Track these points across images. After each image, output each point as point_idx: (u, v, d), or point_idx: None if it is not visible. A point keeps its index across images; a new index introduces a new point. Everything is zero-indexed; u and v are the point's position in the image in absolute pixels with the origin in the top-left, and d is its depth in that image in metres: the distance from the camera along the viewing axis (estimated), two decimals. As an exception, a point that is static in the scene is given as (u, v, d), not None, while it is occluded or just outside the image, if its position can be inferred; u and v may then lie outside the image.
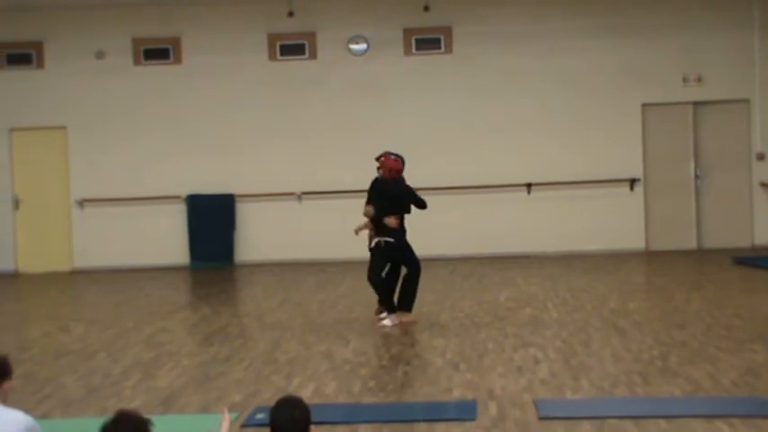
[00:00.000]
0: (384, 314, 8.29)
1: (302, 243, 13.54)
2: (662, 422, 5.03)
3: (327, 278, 11.81)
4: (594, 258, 12.89)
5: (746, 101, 13.12)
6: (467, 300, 9.61)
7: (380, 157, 8.28)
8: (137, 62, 13.66)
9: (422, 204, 8.23)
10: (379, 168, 8.32)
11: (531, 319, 8.38)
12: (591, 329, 7.78)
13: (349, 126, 13.60)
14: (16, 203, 13.43)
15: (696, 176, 13.45)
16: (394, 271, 8.35)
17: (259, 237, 13.68)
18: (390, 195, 8.17)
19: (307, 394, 5.80)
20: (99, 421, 3.00)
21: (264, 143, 13.70)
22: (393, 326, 8.18)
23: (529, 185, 13.49)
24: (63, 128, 13.48)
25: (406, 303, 8.37)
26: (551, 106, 13.51)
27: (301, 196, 13.67)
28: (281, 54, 13.71)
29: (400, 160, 8.22)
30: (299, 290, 11.01)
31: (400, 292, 8.36)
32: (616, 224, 13.39)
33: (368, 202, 8.31)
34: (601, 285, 10.36)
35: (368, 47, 13.63)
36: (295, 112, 13.70)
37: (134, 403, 5.79)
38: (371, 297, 8.82)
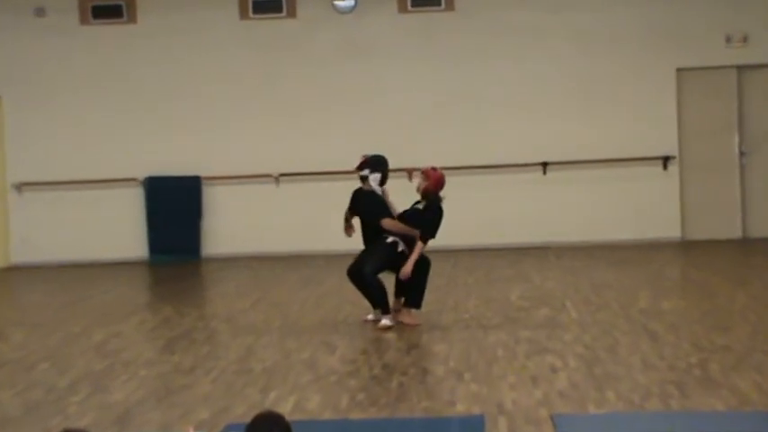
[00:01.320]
0: (382, 320, 8.30)
1: (281, 233, 13.59)
2: (701, 440, 5.14)
3: (311, 274, 11.80)
4: (622, 249, 12.95)
5: (799, 64, 13.41)
6: (472, 298, 9.62)
7: (426, 170, 8.33)
8: (83, 21, 13.64)
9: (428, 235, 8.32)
10: (419, 179, 8.31)
11: (548, 320, 8.38)
12: (617, 333, 7.79)
13: (335, 97, 13.56)
14: (-60, 188, 13.80)
15: (740, 153, 13.49)
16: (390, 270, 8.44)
17: (230, 226, 13.73)
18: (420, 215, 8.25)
19: (286, 409, 5.81)
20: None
21: (236, 116, 13.65)
22: (391, 325, 8.22)
23: (544, 165, 13.46)
24: (-4, 98, 13.87)
25: (414, 298, 8.37)
26: (570, 72, 13.48)
27: (279, 178, 13.63)
28: (255, 12, 13.66)
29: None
30: (277, 287, 10.97)
31: (407, 287, 8.37)
32: (647, 209, 13.41)
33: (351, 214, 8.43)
34: (629, 281, 10.41)
35: (356, 3, 13.59)
36: (271, 81, 13.66)
37: (83, 421, 5.63)
38: (362, 296, 8.76)
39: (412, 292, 8.40)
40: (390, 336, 8.03)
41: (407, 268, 8.16)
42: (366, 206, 8.34)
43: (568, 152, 13.35)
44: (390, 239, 8.26)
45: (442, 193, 8.29)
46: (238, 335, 8.26)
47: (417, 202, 8.48)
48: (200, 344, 7.99)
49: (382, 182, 8.36)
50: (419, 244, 8.20)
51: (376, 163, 8.37)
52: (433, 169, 8.34)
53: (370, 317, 8.52)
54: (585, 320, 8.29)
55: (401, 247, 8.27)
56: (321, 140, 13.52)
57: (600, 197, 13.42)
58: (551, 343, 7.48)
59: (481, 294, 9.81)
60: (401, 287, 8.51)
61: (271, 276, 11.99)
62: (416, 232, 8.22)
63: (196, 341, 8.11)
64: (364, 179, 8.36)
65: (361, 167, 8.35)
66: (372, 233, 8.34)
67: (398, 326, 8.31)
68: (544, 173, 13.37)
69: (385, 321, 8.26)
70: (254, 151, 13.59)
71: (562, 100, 13.43)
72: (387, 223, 8.23)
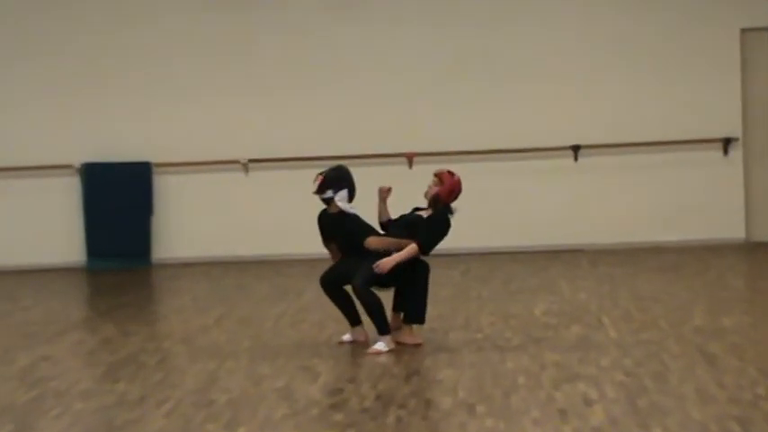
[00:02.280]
0: (377, 343, 8.30)
1: (250, 233, 13.65)
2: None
3: (286, 283, 11.77)
4: (672, 253, 12.96)
5: None
6: (487, 313, 9.59)
7: (442, 173, 8.44)
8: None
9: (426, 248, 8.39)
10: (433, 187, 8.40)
11: (580, 340, 8.37)
12: (666, 356, 7.76)
13: (318, 67, 13.50)
14: None
15: (820, 135, 13.50)
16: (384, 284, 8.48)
17: (187, 224, 13.76)
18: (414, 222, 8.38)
19: (255, 451, 5.86)
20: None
21: (195, 90, 13.64)
22: (388, 351, 8.21)
23: (576, 149, 13.46)
24: None
25: (416, 313, 8.43)
26: (608, 35, 13.45)
27: (249, 165, 13.66)
28: (219, -38, 13.67)
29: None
30: (245, 300, 10.96)
31: (406, 298, 8.45)
32: (703, 203, 13.40)
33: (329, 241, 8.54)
34: (681, 292, 10.41)
35: (345, -48, 13.63)
36: (240, 47, 13.65)
37: (4, 466, 5.71)
38: (340, 311, 8.74)
39: (411, 304, 8.43)
40: (385, 360, 8.00)
41: (386, 262, 8.12)
42: (342, 232, 8.41)
43: (605, 133, 13.34)
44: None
45: (454, 204, 8.41)
46: (198, 359, 8.22)
47: (418, 209, 8.58)
48: (150, 370, 7.96)
49: (351, 197, 8.43)
50: (412, 246, 8.21)
51: (337, 179, 8.39)
52: (450, 173, 8.42)
53: (347, 337, 8.57)
54: (626, 341, 8.27)
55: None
56: (300, 120, 13.49)
57: (644, 189, 13.41)
58: (584, 368, 7.45)
59: (498, 309, 9.78)
60: (399, 299, 8.58)
61: (237, 286, 11.95)
62: (410, 245, 8.23)
63: (145, 366, 8.07)
64: (329, 202, 8.42)
65: (321, 190, 8.39)
66: (356, 251, 8.39)
67: (396, 347, 8.26)
68: (575, 159, 13.38)
69: (379, 345, 8.23)
70: (218, 132, 13.58)
71: (598, 70, 13.39)
72: (373, 243, 8.28)
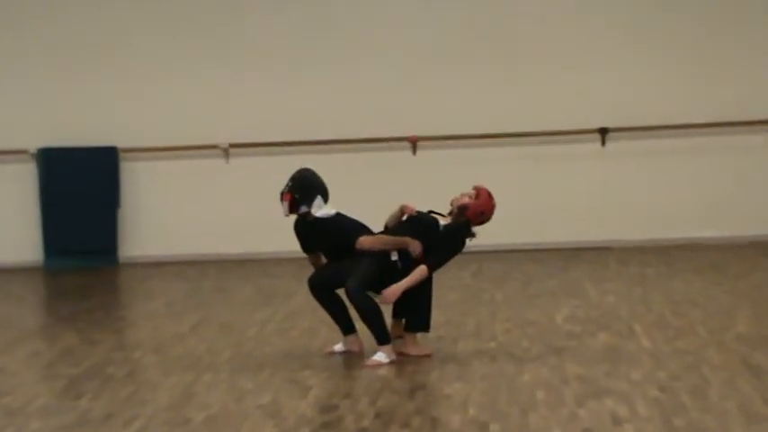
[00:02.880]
0: (377, 353, 8.31)
1: (231, 228, 13.73)
2: None
3: (273, 285, 11.82)
4: (712, 251, 13.01)
5: None
6: (501, 320, 9.63)
7: (480, 189, 8.54)
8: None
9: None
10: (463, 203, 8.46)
11: (608, 350, 8.39)
12: (706, 368, 7.75)
13: (308, 40, 13.54)
14: None
15: None
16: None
17: (159, 217, 13.83)
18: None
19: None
20: None
21: (168, 65, 13.64)
22: (389, 362, 8.22)
23: (603, 132, 13.48)
24: None
25: (420, 320, 8.48)
26: (640, 2, 13.49)
27: (230, 151, 13.68)
28: None
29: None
30: (225, 304, 11.02)
31: (408, 303, 8.45)
32: (746, 195, 13.42)
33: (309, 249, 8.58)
34: (722, 295, 10.43)
35: None
36: (221, 16, 13.59)
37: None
38: (330, 317, 8.73)
39: (414, 309, 8.46)
40: (386, 372, 8.01)
41: (392, 292, 8.22)
42: (326, 239, 8.47)
43: (637, 115, 13.31)
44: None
45: (476, 229, 8.51)
46: (172, 371, 8.24)
47: (434, 212, 8.62)
48: (117, 384, 7.95)
49: (325, 199, 8.46)
50: (421, 269, 8.26)
51: (306, 190, 8.43)
52: (490, 195, 8.52)
53: (339, 347, 8.61)
54: (661, 351, 8.28)
55: (395, 256, 8.37)
56: (288, 100, 13.50)
57: (681, 178, 13.42)
58: (613, 382, 7.45)
59: (514, 314, 9.82)
60: (400, 305, 8.55)
61: (217, 289, 11.99)
62: (412, 243, 8.30)
63: (112, 380, 8.06)
64: (306, 215, 8.47)
65: (293, 208, 8.44)
66: (347, 253, 8.42)
67: (400, 358, 8.27)
68: (602, 143, 13.40)
69: (379, 356, 8.25)
70: (194, 113, 13.58)
71: (628, 41, 13.38)
72: (366, 243, 8.31)
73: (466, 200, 8.47)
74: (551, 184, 13.48)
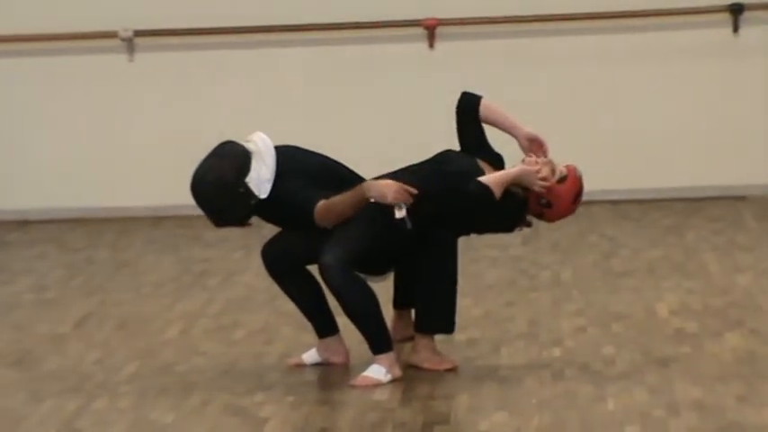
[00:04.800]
0: (371, 367, 8.29)
1: (139, 165, 14.14)
2: None
3: (205, 256, 11.98)
4: None
5: None
6: (570, 313, 9.73)
7: (572, 168, 8.89)
8: None
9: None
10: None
11: (741, 361, 8.39)
12: None
13: None
14: None
15: None
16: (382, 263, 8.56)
17: (28, 149, 14.16)
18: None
19: None
20: None
21: None
22: (390, 381, 8.27)
23: (737, 10, 13.84)
24: None
25: (439, 314, 8.53)
26: None
27: (135, 42, 14.14)
28: None
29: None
30: (129, 286, 11.16)
31: (419, 289, 8.56)
32: None
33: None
34: None
35: None
36: None
37: None
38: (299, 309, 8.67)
39: (429, 298, 8.47)
40: (385, 396, 7.98)
41: (494, 179, 8.42)
42: (281, 212, 8.59)
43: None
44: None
45: (533, 220, 8.82)
46: (43, 395, 8.22)
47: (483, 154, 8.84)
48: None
49: (247, 168, 8.55)
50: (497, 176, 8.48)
51: (231, 188, 8.57)
52: (577, 177, 8.78)
53: (309, 357, 8.63)
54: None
55: (400, 213, 8.30)
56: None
57: None
58: (749, 413, 7.41)
59: (590, 305, 9.89)
60: (407, 287, 8.59)
61: (116, 262, 12.06)
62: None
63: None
64: (257, 203, 8.57)
65: (222, 222, 8.67)
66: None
67: (408, 373, 8.28)
68: (734, 29, 13.89)
69: (375, 371, 8.25)
70: None
71: None
72: (322, 213, 8.39)
73: (548, 177, 8.60)
74: (649, 95, 13.84)
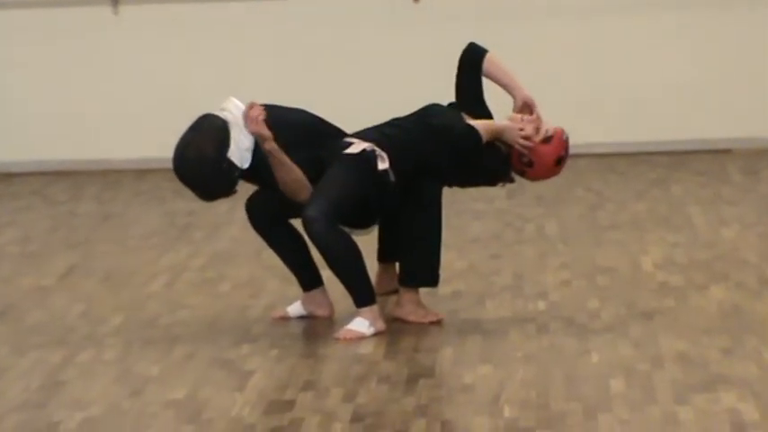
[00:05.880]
0: (355, 320, 8.32)
1: (122, 117, 14.17)
2: None
3: (189, 209, 11.96)
4: None
5: None
6: (556, 266, 9.78)
7: (560, 132, 8.92)
8: None
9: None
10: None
11: (726, 315, 8.43)
12: None
13: None
14: None
15: None
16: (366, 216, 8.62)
17: (9, 102, 14.23)
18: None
19: None
20: None
21: None
22: (375, 333, 8.32)
23: None
24: None
25: (423, 266, 8.59)
26: None
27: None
28: None
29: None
30: (114, 239, 11.25)
31: (404, 241, 8.63)
32: None
33: None
34: None
35: None
36: None
37: None
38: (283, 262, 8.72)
39: (414, 250, 8.52)
40: (369, 349, 8.07)
41: (479, 124, 8.47)
42: (262, 177, 8.64)
43: None
44: (357, 148, 8.47)
45: (516, 177, 8.88)
46: (27, 348, 8.29)
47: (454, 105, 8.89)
48: None
49: (227, 144, 8.55)
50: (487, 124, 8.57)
51: (204, 176, 8.58)
52: (562, 140, 8.80)
53: (294, 310, 8.71)
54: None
55: (383, 164, 8.41)
56: None
57: None
58: (733, 366, 7.46)
59: (576, 257, 9.97)
60: (391, 240, 8.65)
61: (100, 215, 12.21)
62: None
63: None
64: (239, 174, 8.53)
65: (213, 193, 8.68)
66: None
67: (392, 326, 8.33)
68: None
69: (359, 324, 8.32)
70: None
71: None
72: (289, 183, 8.42)
73: (530, 135, 8.64)
74: (638, 49, 13.87)
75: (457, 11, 13.54)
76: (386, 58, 13.16)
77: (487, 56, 8.80)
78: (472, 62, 8.74)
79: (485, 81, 8.79)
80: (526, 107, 8.67)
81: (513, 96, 8.71)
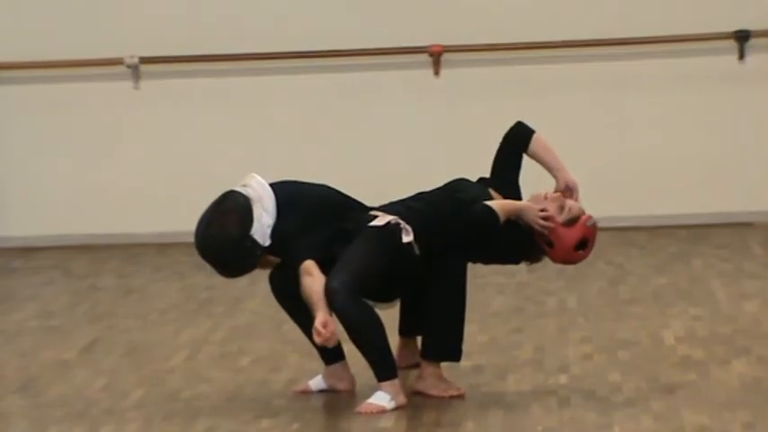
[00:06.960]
0: (376, 394, 8.27)
1: (144, 192, 14.14)
2: None
3: (210, 284, 11.82)
4: None
5: None
6: (576, 341, 9.75)
7: (585, 215, 8.86)
8: None
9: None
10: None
11: (749, 390, 8.34)
12: None
13: None
14: None
15: None
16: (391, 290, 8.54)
17: (31, 176, 14.18)
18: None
19: None
20: None
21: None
22: (396, 408, 8.23)
23: (742, 38, 13.74)
24: None
25: (446, 341, 8.54)
26: None
27: (140, 69, 14.15)
28: None
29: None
30: (135, 314, 11.18)
31: (427, 315, 8.55)
32: None
33: None
34: None
35: None
36: None
37: None
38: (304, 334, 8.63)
39: (436, 325, 8.48)
40: (390, 424, 7.99)
41: (498, 204, 8.47)
42: (280, 254, 8.64)
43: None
44: (382, 221, 8.44)
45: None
46: (49, 420, 8.25)
47: (486, 179, 8.92)
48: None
49: (251, 220, 8.52)
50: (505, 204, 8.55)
51: (229, 251, 8.59)
52: (586, 225, 8.77)
53: (315, 384, 8.65)
54: None
55: (407, 237, 8.37)
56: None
57: None
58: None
59: (597, 331, 9.92)
60: (414, 314, 8.61)
61: (121, 289, 12.09)
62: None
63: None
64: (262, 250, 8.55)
65: (235, 270, 8.67)
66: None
67: (413, 400, 8.26)
68: (740, 56, 13.87)
69: (380, 398, 8.23)
70: (88, 16, 14.08)
71: None
72: (304, 270, 8.38)
73: (552, 215, 8.65)
74: (655, 122, 13.88)
75: (477, 85, 13.58)
76: (407, 132, 13.17)
77: (535, 136, 8.83)
78: (519, 140, 8.81)
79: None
80: (568, 190, 8.65)
81: (556, 178, 8.73)
